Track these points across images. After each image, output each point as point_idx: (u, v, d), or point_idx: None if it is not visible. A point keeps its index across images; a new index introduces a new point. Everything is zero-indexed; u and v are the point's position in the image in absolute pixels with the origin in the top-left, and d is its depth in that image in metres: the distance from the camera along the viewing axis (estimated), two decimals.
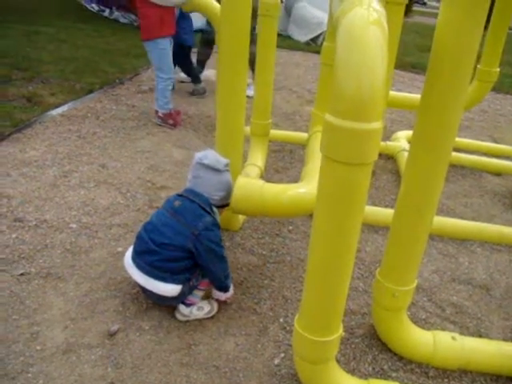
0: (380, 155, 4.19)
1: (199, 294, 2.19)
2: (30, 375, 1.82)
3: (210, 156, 2.23)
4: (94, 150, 3.75)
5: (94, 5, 10.99)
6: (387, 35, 1.33)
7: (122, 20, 10.13)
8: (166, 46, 4.23)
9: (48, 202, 2.95)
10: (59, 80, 5.32)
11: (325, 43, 3.26)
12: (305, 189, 2.36)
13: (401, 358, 2.06)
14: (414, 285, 1.95)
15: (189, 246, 2.05)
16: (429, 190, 1.76)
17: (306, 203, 2.28)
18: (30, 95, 4.74)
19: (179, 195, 2.20)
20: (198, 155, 2.24)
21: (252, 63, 4.45)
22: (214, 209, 2.20)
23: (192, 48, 5.40)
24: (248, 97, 4.63)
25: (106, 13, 10.48)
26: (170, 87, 4.43)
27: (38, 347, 1.94)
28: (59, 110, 4.48)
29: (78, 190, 3.13)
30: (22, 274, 2.32)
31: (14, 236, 2.58)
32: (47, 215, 2.81)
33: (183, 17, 4.97)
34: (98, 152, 3.73)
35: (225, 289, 2.21)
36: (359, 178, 1.36)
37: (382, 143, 4.22)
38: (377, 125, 1.30)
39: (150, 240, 2.08)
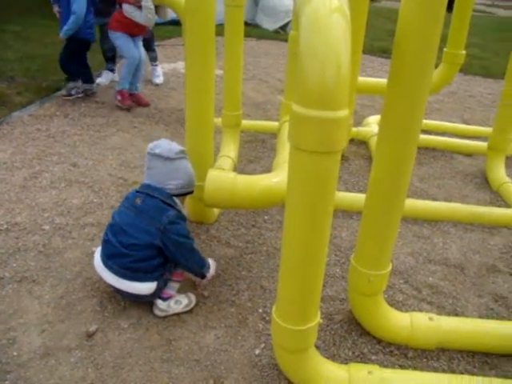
0: (352, 140, 4.22)
1: (175, 285, 2.18)
2: (7, 382, 1.80)
3: (163, 145, 2.18)
4: (64, 149, 3.69)
5: None
6: (350, 22, 1.33)
7: None
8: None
9: (19, 204, 2.90)
10: (25, 79, 5.21)
11: (291, 32, 3.25)
12: (277, 179, 2.36)
13: (380, 341, 2.09)
14: (389, 268, 1.97)
15: (157, 243, 2.04)
16: (398, 173, 1.77)
17: (279, 193, 2.29)
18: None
19: (138, 191, 2.17)
20: (150, 145, 2.18)
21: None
22: (176, 200, 2.17)
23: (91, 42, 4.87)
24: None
25: None
26: (131, 67, 4.69)
27: (15, 353, 1.91)
28: (27, 110, 4.39)
29: (49, 191, 3.08)
30: None
31: None
32: (18, 218, 2.76)
33: (87, 10, 4.55)
34: (69, 151, 3.67)
35: (201, 276, 2.22)
36: (328, 166, 1.36)
37: (354, 129, 4.25)
38: (343, 113, 1.30)
39: (119, 243, 2.07)
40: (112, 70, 5.54)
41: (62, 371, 1.85)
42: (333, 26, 1.29)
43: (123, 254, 2.05)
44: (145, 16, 4.30)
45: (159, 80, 5.68)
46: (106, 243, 2.13)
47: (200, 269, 2.19)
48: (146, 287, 2.06)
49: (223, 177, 2.33)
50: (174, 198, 2.17)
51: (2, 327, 2.03)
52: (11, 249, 2.49)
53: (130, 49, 4.67)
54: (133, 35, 4.64)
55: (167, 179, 2.16)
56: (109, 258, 2.09)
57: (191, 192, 2.30)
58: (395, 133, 1.71)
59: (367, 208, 1.91)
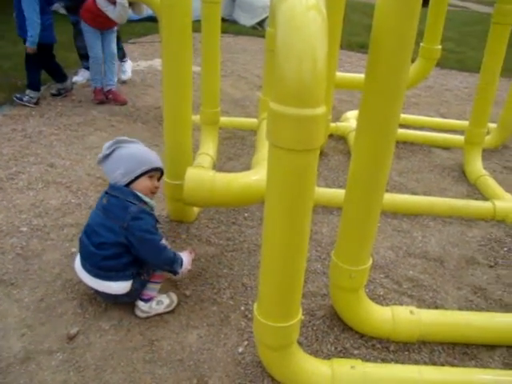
0: (331, 136, 4.23)
1: (155, 287, 2.17)
2: None
3: (102, 150, 2.18)
4: (40, 150, 3.64)
5: None
6: (326, 19, 1.34)
7: (61, 11, 9.79)
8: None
9: None
10: None
11: (268, 29, 3.24)
12: (256, 176, 2.36)
13: (362, 336, 2.10)
14: (370, 263, 1.99)
15: (122, 241, 2.02)
16: (377, 168, 1.78)
17: (258, 191, 2.29)
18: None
19: (106, 192, 2.16)
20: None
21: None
22: (139, 194, 2.12)
23: (53, 45, 4.72)
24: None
25: None
26: (95, 66, 4.77)
27: None
28: (1, 110, 4.32)
29: (26, 192, 3.03)
30: None
31: None
32: None
33: (44, 11, 4.39)
34: (45, 151, 3.62)
35: (174, 273, 2.16)
36: (307, 163, 1.37)
37: (333, 124, 4.27)
38: (320, 110, 1.31)
39: (91, 243, 2.06)
40: (88, 68, 5.35)
41: (42, 376, 1.83)
42: (309, 23, 1.29)
43: (94, 253, 2.04)
44: (118, 13, 4.26)
45: (125, 76, 5.54)
46: (80, 244, 2.14)
47: (170, 266, 2.11)
48: (119, 286, 2.05)
49: (202, 175, 2.32)
50: (136, 192, 2.11)
51: None
52: None
53: (94, 47, 4.68)
54: (103, 28, 4.61)
55: (112, 172, 2.13)
56: (84, 259, 2.10)
57: (147, 172, 2.15)
58: (373, 127, 1.72)
59: (346, 203, 1.92)
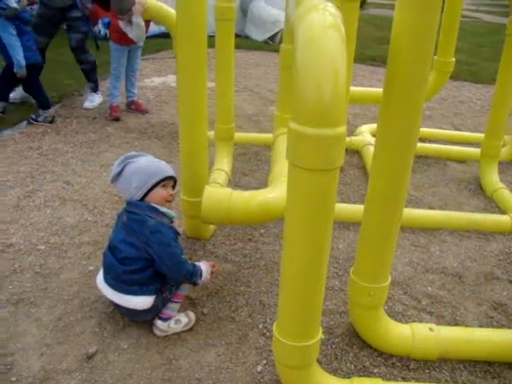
0: (346, 150, 4.21)
1: (175, 307, 2.16)
2: None
3: (111, 170, 2.20)
4: (56, 167, 3.67)
5: None
6: (345, 38, 1.34)
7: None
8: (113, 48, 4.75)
9: (13, 224, 2.87)
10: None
11: (282, 45, 3.26)
12: (273, 194, 2.36)
13: (381, 354, 2.08)
14: (389, 281, 1.97)
15: (144, 256, 2.04)
16: (397, 184, 1.77)
17: (276, 209, 2.28)
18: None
19: (125, 209, 2.17)
20: None
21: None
22: (156, 206, 2.12)
23: (40, 66, 4.67)
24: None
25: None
26: (115, 82, 4.88)
27: (14, 378, 1.88)
28: (18, 127, 4.38)
29: (43, 210, 3.06)
30: None
31: None
32: (13, 239, 2.73)
33: (22, 31, 4.30)
34: (62, 168, 3.66)
35: (194, 284, 2.18)
36: (327, 183, 1.36)
37: (347, 138, 4.26)
38: (341, 129, 1.31)
39: (114, 258, 2.09)
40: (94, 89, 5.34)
41: None
42: (328, 42, 1.29)
43: (117, 267, 2.06)
44: (135, 33, 4.32)
45: (88, 105, 5.14)
46: (104, 258, 2.15)
47: (190, 278, 2.12)
48: (141, 301, 2.04)
49: (220, 193, 2.32)
50: (153, 204, 2.12)
51: (0, 352, 2.00)
52: (7, 270, 2.47)
53: (118, 64, 4.80)
54: (128, 44, 4.68)
55: (127, 190, 2.14)
56: (106, 273, 2.11)
57: (160, 182, 2.15)
58: (393, 143, 1.71)
59: (365, 221, 1.91)
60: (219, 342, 2.12)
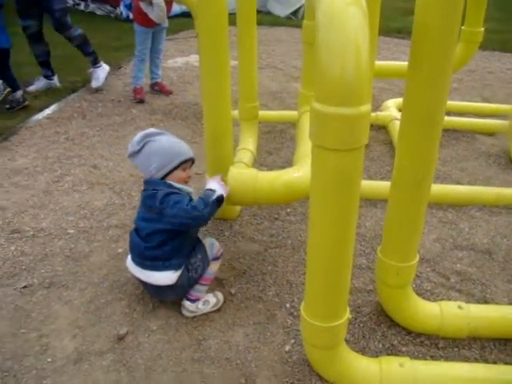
0: (371, 126, 4.15)
1: (203, 289, 2.18)
2: None
3: (129, 144, 2.17)
4: (83, 151, 3.72)
5: None
6: (367, 14, 1.30)
7: (98, 12, 9.97)
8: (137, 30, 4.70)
9: (43, 209, 2.93)
10: None
11: (304, 21, 3.20)
12: (298, 173, 2.34)
13: (410, 332, 2.07)
14: (417, 259, 1.95)
15: (162, 227, 2.03)
16: (425, 159, 1.72)
17: (302, 188, 2.26)
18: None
19: (143, 188, 2.19)
20: None
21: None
22: (172, 183, 2.12)
23: (8, 50, 4.47)
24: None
25: (82, 6, 10.30)
26: (140, 64, 4.84)
27: (49, 359, 1.94)
28: (44, 113, 4.44)
29: (72, 194, 3.11)
30: (25, 287, 2.31)
31: (12, 248, 2.57)
32: (44, 223, 2.79)
33: None
34: (88, 153, 3.70)
35: (217, 205, 2.13)
36: (352, 163, 1.34)
37: (373, 114, 4.19)
38: (365, 108, 1.28)
39: (137, 235, 2.12)
40: (48, 76, 5.17)
41: (95, 375, 1.88)
42: (349, 19, 1.26)
43: (140, 244, 2.08)
44: (156, 13, 4.31)
45: (95, 84, 5.12)
46: (130, 239, 2.18)
47: (209, 207, 2.05)
48: (164, 277, 2.05)
49: (245, 174, 2.31)
50: (170, 182, 2.12)
51: (35, 334, 2.06)
52: (39, 255, 2.53)
53: (143, 46, 4.76)
54: (152, 26, 4.65)
55: (146, 169, 2.14)
56: (132, 252, 2.15)
57: (180, 165, 2.14)
58: (419, 117, 1.66)
59: (393, 197, 1.88)
60: (247, 322, 2.14)
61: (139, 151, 2.13)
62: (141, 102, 4.80)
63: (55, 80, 5.22)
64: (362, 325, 2.11)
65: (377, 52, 4.46)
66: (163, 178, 2.13)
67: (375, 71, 3.69)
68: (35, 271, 2.41)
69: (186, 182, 2.21)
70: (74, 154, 3.68)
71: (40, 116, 4.38)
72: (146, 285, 2.15)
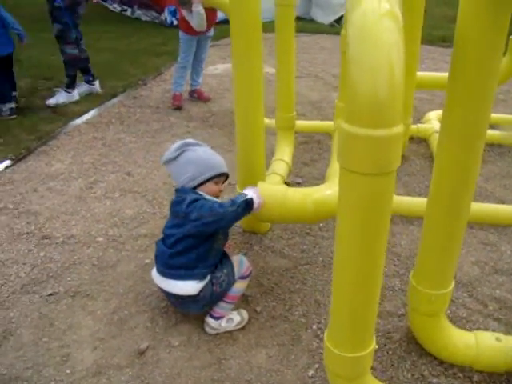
0: (412, 139, 4.03)
1: (228, 306, 2.12)
2: None
3: (166, 151, 2.16)
4: (118, 158, 3.73)
5: (115, 5, 11.01)
6: (402, 28, 1.22)
7: (143, 18, 10.14)
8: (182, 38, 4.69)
9: (75, 215, 2.95)
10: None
11: (342, 30, 3.12)
12: (330, 191, 2.25)
13: (442, 363, 1.95)
14: (452, 286, 1.83)
15: (188, 232, 1.99)
16: (464, 175, 1.61)
17: (333, 207, 2.16)
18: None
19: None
20: None
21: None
22: (201, 192, 2.09)
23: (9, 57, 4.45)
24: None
25: (128, 12, 10.50)
26: (182, 71, 4.83)
27: (68, 371, 1.92)
28: (83, 118, 4.50)
29: (103, 201, 3.11)
30: (50, 295, 2.31)
31: (41, 254, 2.59)
32: (74, 230, 2.80)
33: None
34: (123, 159, 3.71)
35: (245, 209, 2.08)
36: (382, 188, 1.25)
37: (413, 126, 4.05)
38: (397, 129, 1.19)
39: (163, 244, 2.09)
40: (89, 81, 5.21)
41: None
42: (383, 33, 1.17)
43: (166, 252, 2.05)
44: (196, 21, 4.30)
45: (51, 101, 4.85)
46: (156, 248, 2.15)
47: (237, 208, 2.02)
48: (187, 286, 2.00)
49: (273, 191, 2.23)
50: (201, 192, 2.09)
51: (57, 344, 2.05)
52: (66, 262, 2.53)
53: (187, 54, 4.75)
54: (198, 34, 4.64)
55: (179, 177, 2.12)
56: (157, 262, 2.11)
57: (214, 177, 2.12)
58: (459, 131, 1.55)
59: (428, 217, 1.77)
60: (271, 343, 2.07)
61: (175, 158, 2.12)
62: (178, 108, 4.80)
63: (97, 85, 5.28)
64: (390, 352, 2.01)
65: (420, 61, 4.34)
66: (194, 187, 2.10)
67: (417, 82, 3.57)
68: (62, 279, 2.41)
69: (217, 196, 2.16)
70: (109, 160, 3.69)
71: (79, 121, 4.44)
72: (169, 295, 2.10)
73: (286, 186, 2.28)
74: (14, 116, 4.46)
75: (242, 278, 2.14)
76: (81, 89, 5.14)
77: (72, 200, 3.11)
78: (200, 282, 2.01)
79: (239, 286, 2.14)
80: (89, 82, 5.20)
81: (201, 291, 2.01)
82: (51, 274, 2.44)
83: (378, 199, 1.27)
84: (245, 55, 2.32)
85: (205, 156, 2.14)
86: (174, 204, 2.09)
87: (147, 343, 2.04)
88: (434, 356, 1.97)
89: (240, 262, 2.14)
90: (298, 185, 3.43)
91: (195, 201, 2.00)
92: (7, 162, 3.57)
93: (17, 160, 3.63)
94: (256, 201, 2.10)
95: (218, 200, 2.14)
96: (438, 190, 1.70)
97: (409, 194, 3.25)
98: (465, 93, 1.50)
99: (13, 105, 4.51)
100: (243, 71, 2.37)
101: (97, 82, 5.25)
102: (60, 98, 4.88)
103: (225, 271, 2.08)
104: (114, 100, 5.02)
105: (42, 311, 2.22)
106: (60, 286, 2.36)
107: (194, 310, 2.14)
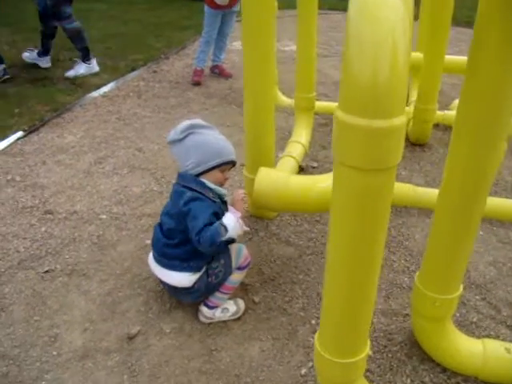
0: (437, 126, 3.84)
1: (223, 297, 2.03)
2: (44, 383, 1.76)
3: (172, 130, 1.99)
4: (131, 133, 3.66)
5: None
6: (411, 4, 1.07)
7: None
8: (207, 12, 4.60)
9: (80, 191, 2.89)
10: (104, 59, 5.27)
11: None
12: None
13: (444, 370, 1.82)
14: (460, 291, 1.70)
15: (182, 228, 1.89)
16: (479, 168, 1.45)
17: None
18: (74, 77, 4.71)
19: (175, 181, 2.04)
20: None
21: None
22: (205, 181, 1.94)
23: None
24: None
25: None
26: (205, 46, 4.73)
27: (55, 352, 1.87)
28: (101, 91, 4.43)
29: (111, 177, 3.05)
30: (46, 272, 2.26)
31: (43, 230, 2.54)
32: (78, 206, 2.75)
33: None
34: (136, 135, 3.64)
35: (229, 242, 1.91)
36: (379, 185, 1.12)
37: (440, 112, 3.86)
38: (398, 121, 1.05)
39: (160, 230, 2.00)
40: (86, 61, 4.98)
41: (97, 376, 1.79)
42: (387, 7, 1.02)
43: (161, 240, 1.97)
44: None
45: (70, 73, 4.86)
46: (153, 232, 2.07)
47: (217, 244, 1.83)
48: (180, 278, 1.92)
49: (274, 177, 2.11)
50: (203, 180, 1.94)
51: (47, 323, 2.00)
52: (66, 239, 2.48)
53: (211, 29, 4.64)
54: (222, 8, 4.53)
55: (183, 161, 1.96)
56: (153, 247, 2.03)
57: (220, 165, 1.96)
58: (476, 119, 1.39)
59: (438, 215, 1.63)
60: (266, 336, 1.98)
61: (180, 141, 1.95)
62: (197, 84, 4.70)
63: (94, 64, 5.01)
64: (390, 355, 1.89)
65: (451, 44, 4.11)
66: (198, 175, 1.97)
67: (445, 66, 3.38)
68: (60, 256, 2.36)
69: (221, 184, 2.04)
70: (121, 134, 3.62)
71: (96, 94, 4.38)
72: (163, 283, 2.04)
73: (288, 174, 2.15)
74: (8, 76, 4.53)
75: (240, 268, 2.03)
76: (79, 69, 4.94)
77: (79, 175, 3.06)
78: (195, 274, 1.93)
79: (236, 277, 2.04)
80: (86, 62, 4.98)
81: (195, 283, 1.94)
82: (50, 251, 2.39)
83: (375, 198, 1.14)
84: (255, 29, 2.18)
85: (212, 141, 1.98)
86: (175, 193, 1.96)
87: (138, 328, 1.98)
88: (437, 362, 1.85)
89: (238, 251, 2.03)
90: (313, 169, 3.32)
91: (193, 200, 1.87)
92: (19, 134, 3.53)
93: (29, 131, 3.59)
94: (235, 236, 1.90)
95: (223, 190, 2.02)
96: (450, 182, 1.55)
97: (429, 185, 3.09)
98: (484, 77, 1.34)
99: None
100: (253, 49, 2.24)
101: (94, 61, 5.03)
102: (79, 69, 4.83)
103: (222, 261, 1.98)
104: (134, 73, 4.94)
105: (36, 288, 2.17)
106: (57, 264, 2.31)
107: (187, 300, 2.06)
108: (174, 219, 1.93)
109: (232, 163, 2.05)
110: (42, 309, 2.07)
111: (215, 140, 1.99)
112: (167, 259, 1.95)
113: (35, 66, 4.96)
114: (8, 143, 3.40)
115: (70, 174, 3.06)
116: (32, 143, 3.44)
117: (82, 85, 4.55)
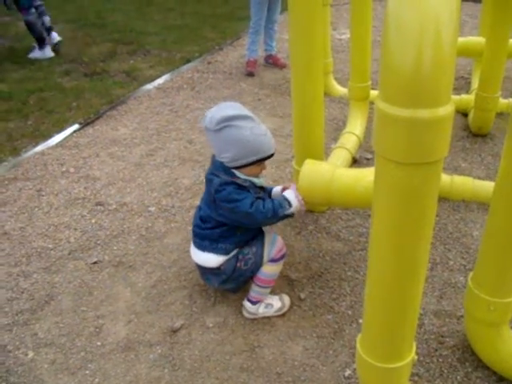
0: (501, 115, 3.61)
1: (262, 291, 1.98)
2: (87, 372, 1.79)
3: (210, 113, 1.85)
4: (183, 125, 3.67)
5: None
6: None
7: None
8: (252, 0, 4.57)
9: (131, 183, 2.92)
10: (160, 51, 5.32)
11: None
12: None
13: (501, 379, 1.70)
14: None
15: (214, 216, 1.89)
16: None
17: None
18: (130, 69, 4.80)
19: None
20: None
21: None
22: (235, 171, 1.87)
23: None
24: None
25: None
26: (254, 36, 4.69)
27: (99, 342, 1.90)
28: (155, 83, 4.47)
29: (161, 169, 3.06)
30: (95, 263, 2.30)
31: (93, 221, 2.58)
32: (128, 198, 2.77)
33: None
34: (188, 126, 3.64)
35: (283, 218, 1.93)
36: (423, 180, 1.04)
37: (504, 100, 3.62)
38: (443, 110, 0.97)
39: (198, 216, 2.00)
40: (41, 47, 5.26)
41: (139, 368, 1.80)
42: None
43: (197, 224, 1.98)
44: None
45: (31, 54, 5.26)
46: (193, 218, 2.07)
47: (271, 219, 1.86)
48: (208, 258, 1.93)
49: (320, 170, 2.01)
50: (235, 171, 1.87)
51: (93, 314, 2.03)
52: (115, 231, 2.51)
53: (258, 17, 4.59)
54: None
55: (219, 152, 1.87)
56: (192, 229, 2.04)
57: (257, 162, 1.87)
58: None
59: (493, 210, 1.51)
60: (310, 334, 1.92)
61: (215, 132, 1.83)
62: (251, 75, 4.64)
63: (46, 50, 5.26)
64: (441, 359, 1.78)
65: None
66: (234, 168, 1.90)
67: (509, 51, 3.17)
68: (108, 247, 2.39)
69: (256, 176, 1.96)
70: (174, 126, 3.64)
71: (150, 86, 4.42)
72: (196, 265, 2.03)
73: (334, 168, 2.05)
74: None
75: (273, 260, 1.95)
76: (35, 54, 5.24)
77: (131, 167, 3.09)
78: (222, 256, 1.92)
79: (269, 270, 1.96)
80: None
81: (221, 265, 1.92)
82: (99, 242, 2.43)
83: (418, 194, 1.06)
84: (302, 19, 2.10)
85: (249, 138, 1.82)
86: (207, 178, 1.94)
87: (182, 321, 1.97)
88: (493, 370, 1.73)
89: (272, 242, 1.96)
90: (368, 161, 3.20)
91: (226, 184, 1.83)
92: (75, 126, 3.62)
93: (85, 124, 3.67)
94: (295, 205, 1.90)
95: (258, 181, 1.95)
96: (507, 174, 1.42)
97: (490, 178, 2.91)
98: None
99: None
100: (299, 37, 2.16)
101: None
102: (37, 54, 5.19)
103: (253, 249, 1.94)
104: (188, 65, 4.95)
105: (84, 279, 2.21)
106: (105, 255, 2.34)
107: (214, 283, 2.02)
108: (208, 205, 1.92)
109: (270, 157, 1.94)
110: (88, 299, 2.10)
111: (252, 136, 1.83)
112: (200, 239, 1.96)
113: (92, 60, 5.09)
114: (64, 136, 3.49)
115: (121, 166, 3.10)
116: (87, 135, 3.51)
117: (137, 77, 4.60)
